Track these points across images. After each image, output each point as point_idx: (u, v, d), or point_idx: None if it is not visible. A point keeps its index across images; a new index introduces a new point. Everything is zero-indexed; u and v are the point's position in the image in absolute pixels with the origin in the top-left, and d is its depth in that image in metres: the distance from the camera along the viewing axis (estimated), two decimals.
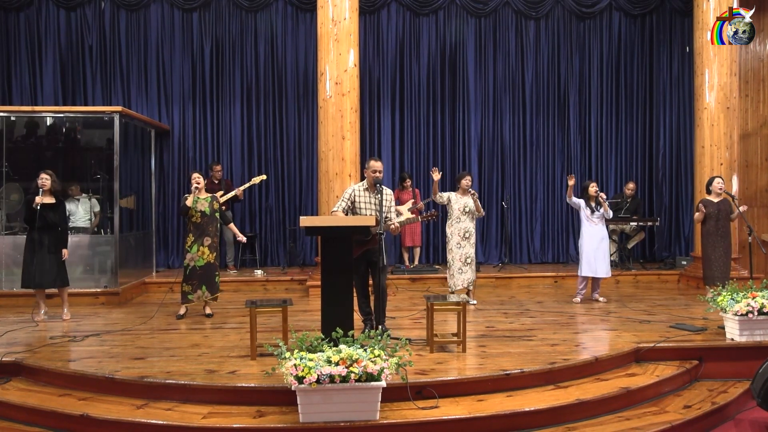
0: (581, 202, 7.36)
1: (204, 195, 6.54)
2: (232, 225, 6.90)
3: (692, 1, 8.91)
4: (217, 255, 6.60)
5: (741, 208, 6.80)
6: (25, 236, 6.50)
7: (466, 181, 7.05)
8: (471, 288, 7.19)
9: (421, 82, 10.09)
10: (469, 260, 7.02)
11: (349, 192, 5.60)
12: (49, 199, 6.34)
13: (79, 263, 7.53)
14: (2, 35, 9.49)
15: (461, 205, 7.01)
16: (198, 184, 6.43)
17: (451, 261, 7.07)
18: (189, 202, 6.40)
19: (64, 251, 6.45)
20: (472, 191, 7.05)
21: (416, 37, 10.09)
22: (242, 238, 6.81)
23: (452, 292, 7.06)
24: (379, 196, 5.44)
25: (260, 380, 4.32)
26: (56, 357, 4.98)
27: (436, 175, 6.93)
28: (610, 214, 7.29)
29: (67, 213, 6.85)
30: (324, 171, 7.98)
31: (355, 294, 5.02)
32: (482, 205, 10.03)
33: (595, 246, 7.23)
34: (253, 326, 4.90)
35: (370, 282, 5.58)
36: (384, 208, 5.45)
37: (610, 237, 9.56)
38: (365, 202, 5.52)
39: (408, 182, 9.16)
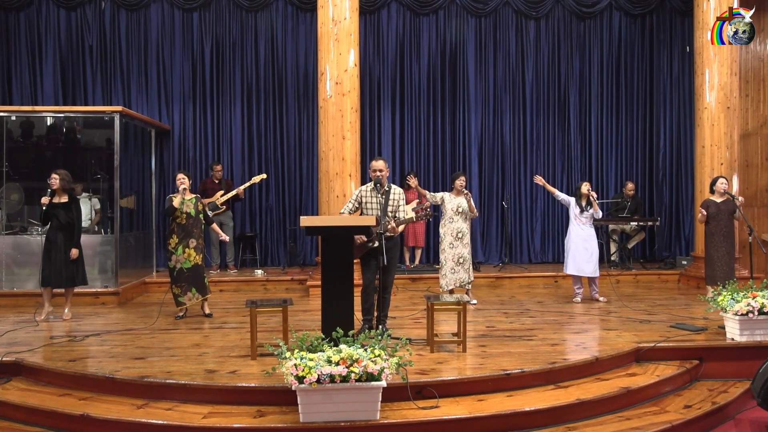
0: (571, 200, 7.37)
1: (189, 196, 6.45)
2: (214, 225, 6.81)
3: (692, 1, 8.90)
4: (204, 256, 6.57)
5: (738, 199, 6.78)
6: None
7: (460, 182, 7.04)
8: (468, 288, 7.18)
9: (421, 82, 10.09)
10: (461, 260, 7.00)
11: (356, 193, 5.67)
12: (61, 198, 6.34)
13: None
14: (2, 35, 9.49)
15: (454, 206, 7.00)
16: (184, 184, 6.36)
17: (444, 261, 7.06)
18: (176, 202, 6.31)
19: (73, 250, 6.40)
20: (466, 191, 7.05)
21: (416, 37, 10.09)
22: (225, 238, 6.80)
23: (448, 292, 7.01)
24: (384, 195, 5.46)
25: (260, 380, 4.32)
26: (56, 357, 4.98)
27: (413, 182, 7.08)
28: (600, 214, 7.29)
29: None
30: (324, 171, 7.98)
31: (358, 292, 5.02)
32: (482, 204, 10.08)
33: (581, 245, 7.24)
34: (253, 326, 4.90)
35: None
36: (390, 207, 5.47)
37: (610, 237, 9.62)
38: (371, 202, 5.54)
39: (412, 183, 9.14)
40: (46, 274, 6.36)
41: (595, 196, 7.23)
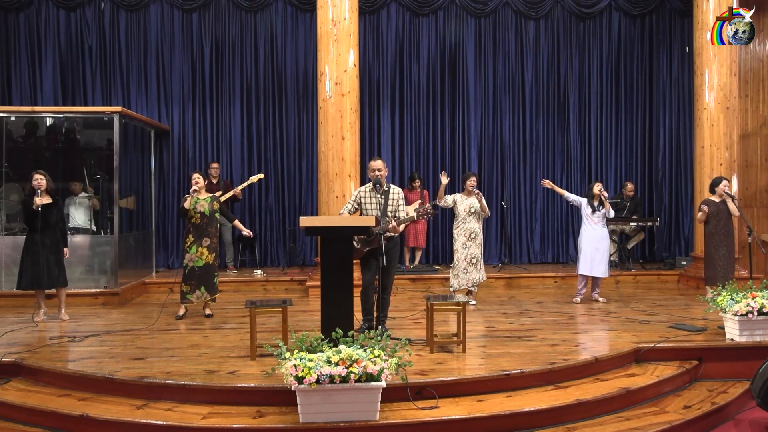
0: (582, 200, 7.37)
1: (204, 195, 6.52)
2: (236, 222, 6.81)
3: (692, 1, 8.90)
4: (216, 256, 6.58)
5: (730, 195, 6.75)
6: (24, 236, 6.50)
7: (471, 182, 7.06)
8: (475, 289, 7.20)
9: (421, 82, 10.09)
10: (474, 260, 7.03)
11: (355, 194, 5.68)
12: (47, 199, 6.34)
13: (79, 263, 7.52)
14: (2, 35, 9.49)
15: (467, 206, 7.02)
16: (197, 185, 6.41)
17: (457, 261, 7.08)
18: (187, 204, 6.36)
19: (65, 250, 6.44)
20: (477, 191, 7.06)
21: (416, 37, 10.09)
22: (248, 232, 6.66)
23: (453, 291, 7.07)
24: (383, 195, 5.47)
25: (260, 380, 4.31)
26: (56, 357, 4.99)
27: (445, 179, 7.01)
28: (612, 213, 7.29)
29: (65, 212, 6.82)
30: (324, 171, 7.98)
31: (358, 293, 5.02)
32: None
33: (594, 246, 7.24)
34: (252, 326, 4.90)
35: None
36: (390, 207, 5.47)
37: (610, 237, 9.60)
38: (370, 203, 5.54)
39: (417, 183, 9.17)
40: (33, 276, 6.28)
41: (606, 195, 7.24)
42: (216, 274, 6.57)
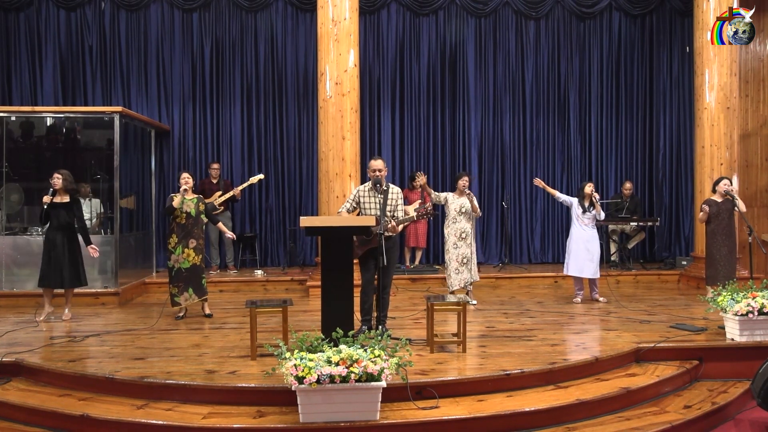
0: (573, 200, 7.36)
1: (190, 196, 6.45)
2: (220, 224, 6.77)
3: (692, 1, 8.91)
4: (203, 257, 6.54)
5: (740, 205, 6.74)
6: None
7: (462, 182, 7.05)
8: (470, 288, 7.20)
9: (421, 82, 10.09)
10: (465, 260, 7.02)
11: (354, 193, 5.67)
12: (62, 198, 6.34)
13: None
14: (2, 35, 9.49)
15: (458, 206, 7.01)
16: (186, 184, 6.36)
17: (448, 261, 7.09)
18: (176, 202, 6.31)
19: (90, 248, 6.39)
20: (468, 192, 7.06)
21: (416, 37, 10.09)
22: (231, 235, 6.75)
23: (451, 292, 7.07)
24: (383, 195, 5.47)
25: (260, 380, 4.31)
26: (56, 357, 4.99)
27: (421, 179, 7.03)
28: (602, 216, 7.27)
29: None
30: (324, 171, 7.98)
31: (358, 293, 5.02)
32: (482, 204, 10.08)
33: (582, 246, 7.23)
34: (253, 326, 4.90)
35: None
36: (389, 206, 5.47)
37: (610, 237, 9.62)
38: (370, 202, 5.54)
39: (417, 182, 9.16)
40: (45, 274, 6.35)
41: (597, 197, 7.22)
42: (204, 276, 6.53)
